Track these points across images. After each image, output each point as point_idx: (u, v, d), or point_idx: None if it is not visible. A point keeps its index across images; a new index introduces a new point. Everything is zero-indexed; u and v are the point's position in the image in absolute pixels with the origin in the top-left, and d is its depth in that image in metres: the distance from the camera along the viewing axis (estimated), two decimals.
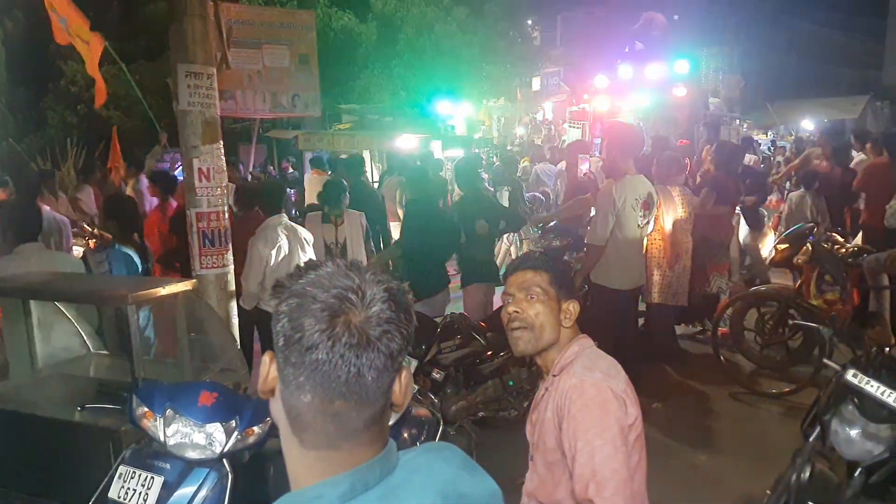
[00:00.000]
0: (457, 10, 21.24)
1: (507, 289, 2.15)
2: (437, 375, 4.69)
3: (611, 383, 1.97)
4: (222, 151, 4.70)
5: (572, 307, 2.11)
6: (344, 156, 10.64)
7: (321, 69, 13.20)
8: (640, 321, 6.40)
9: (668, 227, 6.07)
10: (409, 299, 1.03)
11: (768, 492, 3.48)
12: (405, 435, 3.50)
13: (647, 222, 5.24)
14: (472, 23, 21.46)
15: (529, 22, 26.11)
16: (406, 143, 12.52)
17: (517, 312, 2.09)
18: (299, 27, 12.71)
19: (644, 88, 12.71)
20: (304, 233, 5.27)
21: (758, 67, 17.57)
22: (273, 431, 2.98)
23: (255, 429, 2.98)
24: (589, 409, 1.92)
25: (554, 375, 2.06)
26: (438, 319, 4.94)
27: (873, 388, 3.13)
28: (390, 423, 1.06)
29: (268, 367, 1.02)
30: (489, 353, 4.87)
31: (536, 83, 25.51)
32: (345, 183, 5.85)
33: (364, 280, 0.99)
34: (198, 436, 2.91)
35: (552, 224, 6.65)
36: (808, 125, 19.80)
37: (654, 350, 6.23)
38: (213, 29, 4.82)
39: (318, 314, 0.95)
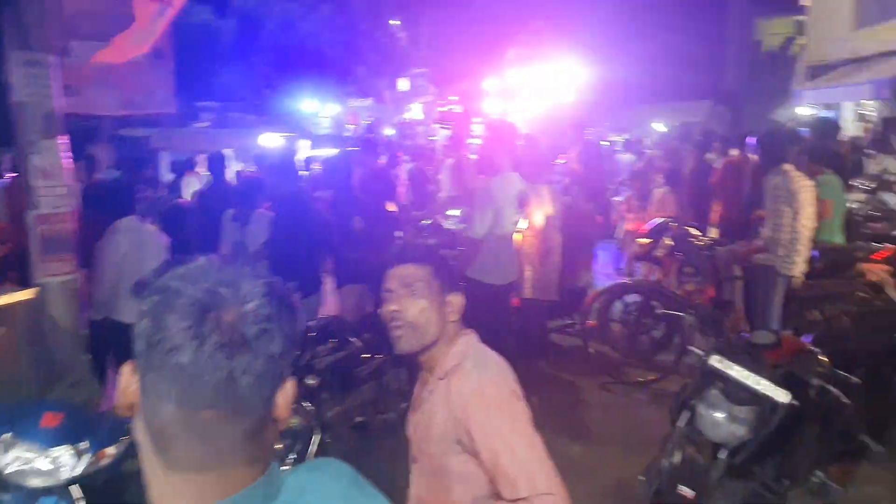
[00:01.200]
0: (322, 7, 20.91)
1: (387, 284, 2.02)
2: (312, 381, 4.49)
3: (507, 379, 1.94)
4: (65, 147, 4.27)
5: (457, 300, 2.02)
6: (201, 156, 10.09)
7: (177, 65, 12.52)
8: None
9: (538, 224, 6.18)
10: (294, 298, 0.91)
11: (641, 478, 3.58)
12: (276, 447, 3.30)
13: (522, 219, 5.31)
14: (338, 21, 21.20)
15: (395, 23, 26.09)
16: (271, 141, 12.12)
17: (397, 311, 1.97)
18: None
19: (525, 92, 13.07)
20: (161, 237, 4.90)
21: (609, 73, 18.53)
22: (132, 451, 2.71)
23: (110, 450, 2.70)
24: (495, 409, 1.86)
25: (440, 379, 1.96)
26: (312, 323, 4.75)
27: (736, 372, 3.29)
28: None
29: (127, 378, 0.86)
30: (366, 355, 4.73)
31: (404, 84, 25.56)
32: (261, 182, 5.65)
33: (241, 274, 0.86)
34: (41, 461, 2.60)
35: (428, 222, 6.61)
36: (658, 128, 21.01)
37: (527, 344, 6.33)
38: (52, 15, 4.39)
39: (183, 310, 0.81)
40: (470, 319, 5.49)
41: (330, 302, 5.80)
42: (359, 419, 4.68)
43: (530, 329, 6.57)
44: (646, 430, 4.87)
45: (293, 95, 17.23)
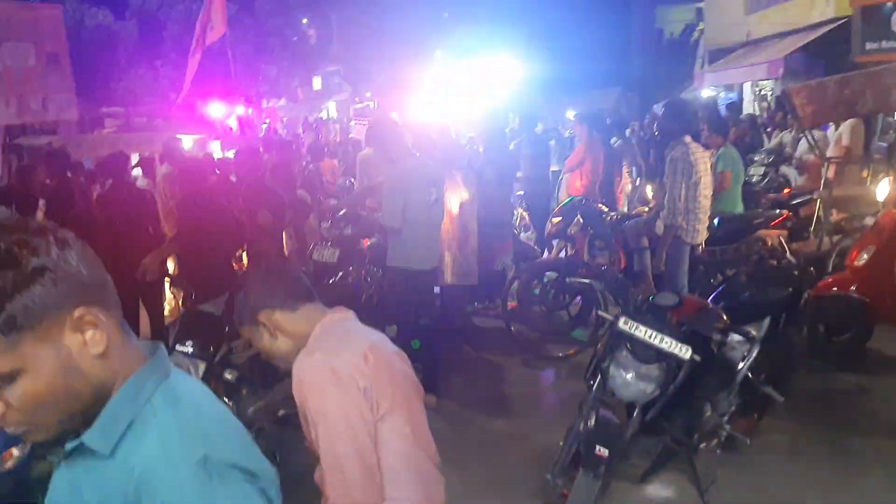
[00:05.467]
0: (228, 7, 20.44)
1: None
2: (230, 376, 4.41)
3: (332, 362, 1.93)
4: None
5: (276, 315, 2.05)
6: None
7: (76, 70, 11.99)
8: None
9: (454, 209, 6.24)
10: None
11: (561, 443, 3.68)
12: None
13: (436, 200, 5.33)
14: (243, 20, 20.76)
15: (304, 21, 25.77)
16: (181, 144, 11.77)
17: (252, 343, 2.12)
18: (44, 23, 11.43)
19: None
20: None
21: (524, 66, 18.97)
22: (38, 452, 2.61)
23: (14, 451, 2.60)
24: (313, 396, 1.91)
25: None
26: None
27: (642, 332, 3.42)
28: None
29: None
30: None
31: (317, 82, 25.31)
32: None
33: None
34: None
35: (342, 212, 6.58)
36: (570, 114, 21.53)
37: (451, 329, 6.39)
38: None
39: None
40: (395, 306, 5.49)
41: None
42: (282, 412, 4.62)
43: (453, 314, 6.64)
44: (566, 399, 5.02)
45: (202, 97, 16.82)
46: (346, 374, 1.90)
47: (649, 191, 8.68)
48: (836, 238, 6.58)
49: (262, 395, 4.55)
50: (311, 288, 2.15)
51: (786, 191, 8.40)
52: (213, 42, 9.55)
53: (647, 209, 7.09)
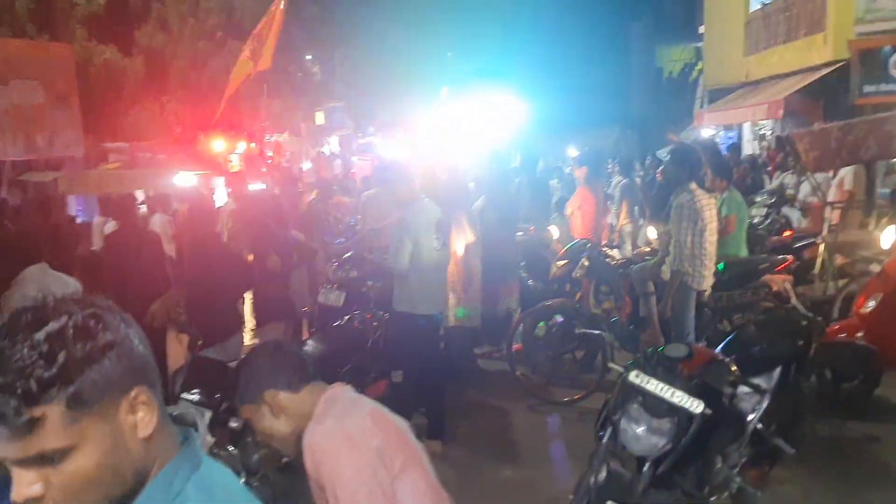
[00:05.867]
0: (230, 43, 20.65)
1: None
2: (235, 424, 4.38)
3: (343, 425, 1.96)
4: None
5: (280, 397, 2.07)
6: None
7: (83, 106, 12.12)
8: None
9: (459, 251, 6.25)
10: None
11: (570, 496, 3.64)
12: None
13: (444, 245, 5.34)
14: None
15: (309, 57, 26.09)
16: (185, 181, 11.84)
17: (251, 425, 2.16)
18: (55, 62, 11.55)
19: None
20: (74, 285, 4.69)
21: (526, 104, 19.29)
22: None
23: None
24: (328, 461, 1.92)
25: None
26: (233, 364, 4.64)
27: (653, 385, 3.40)
28: None
29: None
30: None
31: (320, 117, 25.53)
32: None
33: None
34: None
35: (349, 254, 6.58)
36: (572, 152, 21.74)
37: (456, 372, 6.36)
38: None
39: None
40: (400, 351, 5.46)
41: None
42: (285, 460, 4.58)
43: (457, 356, 6.61)
44: (574, 449, 4.96)
45: (206, 133, 16.95)
46: (358, 436, 1.93)
47: (651, 232, 8.72)
48: (841, 283, 6.59)
49: (265, 443, 4.52)
50: (313, 368, 2.21)
51: (786, 233, 8.42)
52: (258, 72, 9.46)
53: (647, 249, 7.11)
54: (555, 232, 8.36)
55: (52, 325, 1.00)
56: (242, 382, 2.13)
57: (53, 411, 0.97)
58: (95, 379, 1.00)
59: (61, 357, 0.98)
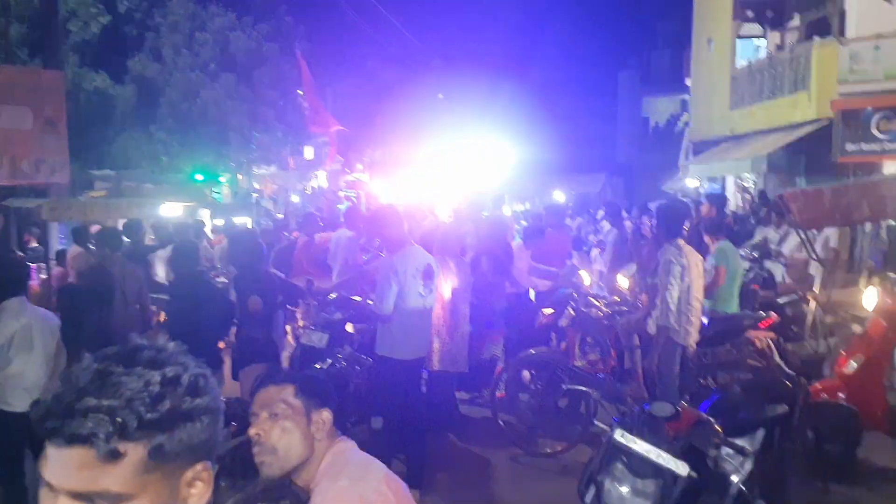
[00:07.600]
0: (224, 76, 20.76)
1: (252, 408, 2.06)
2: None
3: (360, 488, 1.93)
4: None
5: (324, 416, 2.04)
6: (96, 228, 9.66)
7: (70, 132, 12.06)
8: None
9: (446, 295, 6.21)
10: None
11: None
12: None
13: (430, 292, 5.32)
14: (241, 91, 21.10)
15: (300, 92, 26.30)
16: (170, 211, 11.76)
17: (259, 436, 2.00)
18: (45, 88, 11.54)
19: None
20: (52, 319, 4.60)
21: (521, 150, 19.53)
22: None
23: None
24: None
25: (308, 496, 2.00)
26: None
27: (639, 446, 3.37)
28: None
29: None
30: None
31: (309, 152, 25.61)
32: None
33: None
34: None
35: (333, 296, 6.52)
36: (559, 197, 21.97)
37: (437, 417, 6.27)
38: None
39: None
40: (381, 397, 5.38)
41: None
42: None
43: (439, 402, 6.53)
44: (556, 502, 4.88)
45: (193, 163, 16.94)
46: (373, 501, 1.92)
47: (622, 281, 8.64)
48: (831, 341, 6.61)
49: (241, 487, 4.41)
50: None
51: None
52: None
53: (618, 299, 7.05)
54: (586, 277, 8.25)
55: (170, 371, 0.99)
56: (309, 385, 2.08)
57: (136, 454, 0.96)
58: (182, 438, 0.99)
59: (167, 403, 0.97)
